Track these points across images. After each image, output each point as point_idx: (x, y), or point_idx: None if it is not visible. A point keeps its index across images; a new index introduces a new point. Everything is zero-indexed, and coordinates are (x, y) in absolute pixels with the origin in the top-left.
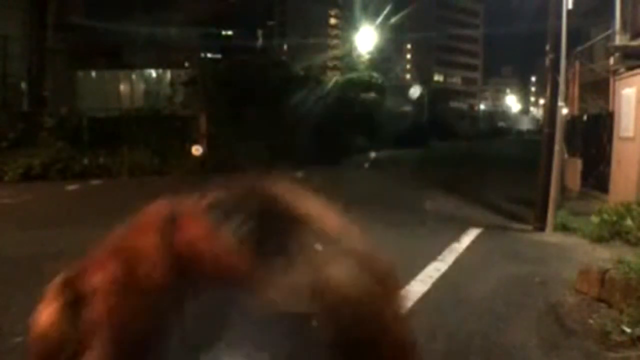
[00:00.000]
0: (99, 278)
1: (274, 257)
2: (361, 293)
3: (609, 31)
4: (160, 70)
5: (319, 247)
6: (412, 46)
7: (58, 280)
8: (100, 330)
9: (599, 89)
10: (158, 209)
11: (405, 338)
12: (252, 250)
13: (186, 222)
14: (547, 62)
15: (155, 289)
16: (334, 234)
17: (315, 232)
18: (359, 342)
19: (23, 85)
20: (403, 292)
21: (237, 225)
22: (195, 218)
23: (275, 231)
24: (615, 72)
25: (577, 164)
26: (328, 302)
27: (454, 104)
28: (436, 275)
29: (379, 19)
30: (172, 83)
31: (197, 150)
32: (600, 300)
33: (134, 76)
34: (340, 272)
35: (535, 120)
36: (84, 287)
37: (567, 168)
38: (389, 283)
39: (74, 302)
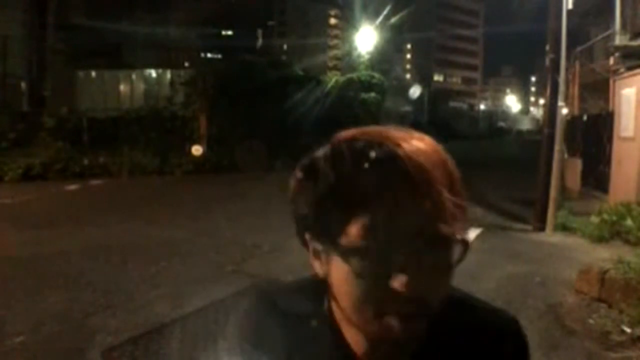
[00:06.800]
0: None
1: None
2: None
3: (609, 31)
4: (160, 70)
5: None
6: (412, 46)
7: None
8: None
9: (599, 89)
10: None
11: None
12: None
13: None
14: (547, 62)
15: None
16: None
17: None
18: None
19: (23, 85)
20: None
21: None
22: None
23: None
24: (615, 72)
25: (577, 164)
26: None
27: (454, 104)
28: None
29: (379, 19)
30: (172, 83)
31: (197, 150)
32: (600, 300)
33: (134, 76)
34: None
35: (535, 120)
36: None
37: (567, 168)
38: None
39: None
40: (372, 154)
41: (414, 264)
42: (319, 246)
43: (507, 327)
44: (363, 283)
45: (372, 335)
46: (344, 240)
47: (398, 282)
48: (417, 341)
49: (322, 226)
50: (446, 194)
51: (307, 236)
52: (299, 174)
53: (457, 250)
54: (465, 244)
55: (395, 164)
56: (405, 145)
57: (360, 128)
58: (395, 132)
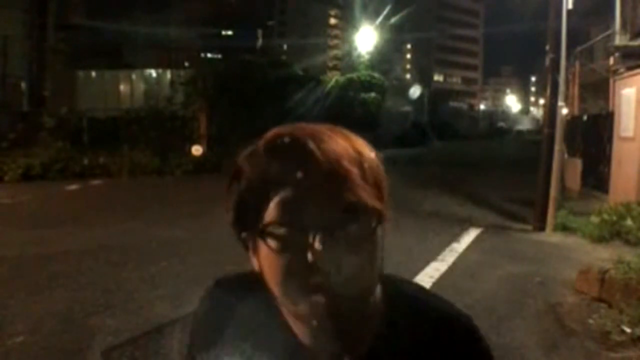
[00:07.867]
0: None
1: None
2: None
3: (609, 31)
4: (160, 70)
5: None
6: (412, 46)
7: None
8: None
9: (599, 89)
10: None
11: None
12: None
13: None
14: (547, 62)
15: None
16: None
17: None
18: None
19: (23, 85)
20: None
21: None
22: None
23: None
24: (615, 72)
25: (577, 164)
26: None
27: (454, 104)
28: (436, 275)
29: (379, 19)
30: (172, 83)
31: (197, 150)
32: (600, 300)
33: (134, 76)
34: None
35: (535, 120)
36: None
37: (567, 168)
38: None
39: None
40: (280, 143)
41: (327, 235)
42: (248, 239)
43: (462, 325)
44: (282, 259)
45: (303, 318)
46: (261, 223)
47: (312, 253)
48: (367, 337)
49: (247, 220)
50: (351, 168)
51: (243, 234)
52: (230, 179)
53: (370, 221)
54: (378, 213)
55: (301, 148)
56: (311, 132)
57: (279, 127)
58: (308, 126)
